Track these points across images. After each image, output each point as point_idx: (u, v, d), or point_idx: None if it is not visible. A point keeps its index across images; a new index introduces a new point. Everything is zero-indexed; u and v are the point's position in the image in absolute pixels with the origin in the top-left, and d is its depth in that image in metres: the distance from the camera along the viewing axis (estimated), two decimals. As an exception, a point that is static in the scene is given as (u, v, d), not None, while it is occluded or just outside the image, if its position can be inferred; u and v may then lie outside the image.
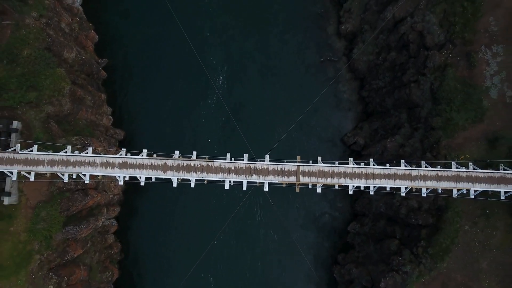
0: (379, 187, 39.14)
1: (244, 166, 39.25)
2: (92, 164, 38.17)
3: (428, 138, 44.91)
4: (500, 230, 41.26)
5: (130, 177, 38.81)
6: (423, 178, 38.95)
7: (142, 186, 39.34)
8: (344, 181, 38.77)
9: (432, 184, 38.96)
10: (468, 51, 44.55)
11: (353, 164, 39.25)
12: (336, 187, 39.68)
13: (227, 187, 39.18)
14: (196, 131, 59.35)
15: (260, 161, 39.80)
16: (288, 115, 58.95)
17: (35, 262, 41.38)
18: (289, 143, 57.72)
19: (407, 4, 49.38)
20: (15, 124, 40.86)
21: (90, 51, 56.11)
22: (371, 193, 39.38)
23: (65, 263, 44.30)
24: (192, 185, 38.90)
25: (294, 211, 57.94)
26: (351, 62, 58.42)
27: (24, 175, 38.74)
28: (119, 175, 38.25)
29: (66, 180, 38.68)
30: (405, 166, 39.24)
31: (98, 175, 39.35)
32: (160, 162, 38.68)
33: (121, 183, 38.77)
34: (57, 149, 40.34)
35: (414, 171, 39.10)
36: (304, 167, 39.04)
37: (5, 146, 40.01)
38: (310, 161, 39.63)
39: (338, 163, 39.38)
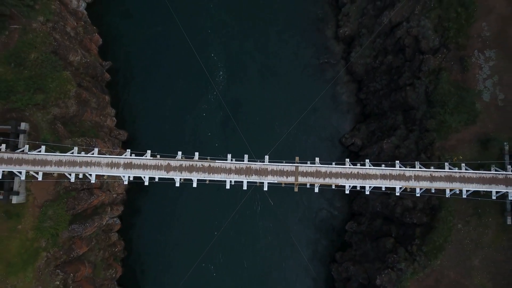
0: (374, 187, 40.59)
1: (245, 167, 40.67)
2: (98, 164, 39.61)
3: (422, 140, 46.30)
4: (491, 229, 42.70)
5: (134, 177, 40.24)
6: (417, 178, 40.40)
7: (145, 185, 40.75)
8: (341, 181, 40.21)
9: (425, 184, 40.41)
10: (461, 56, 45.94)
11: (349, 165, 40.70)
12: (333, 187, 41.15)
13: (228, 186, 40.60)
14: (197, 131, 60.58)
15: (260, 161, 41.23)
16: (288, 116, 60.32)
17: (42, 259, 42.67)
18: (288, 143, 59.06)
19: (403, 9, 50.78)
20: (23, 125, 42.23)
21: (94, 54, 57.50)
22: (367, 192, 40.82)
23: (71, 260, 45.65)
24: (194, 185, 40.34)
25: (293, 210, 59.25)
26: (349, 65, 59.82)
27: (33, 175, 40.15)
28: (124, 175, 39.67)
29: (73, 179, 40.11)
30: (400, 167, 40.69)
31: (103, 175, 40.74)
32: (164, 162, 40.11)
33: (125, 182, 40.19)
34: (63, 150, 41.77)
35: (408, 171, 40.55)
36: (302, 167, 40.47)
37: (14, 147, 41.43)
38: (308, 162, 41.05)
39: (335, 164, 40.81)
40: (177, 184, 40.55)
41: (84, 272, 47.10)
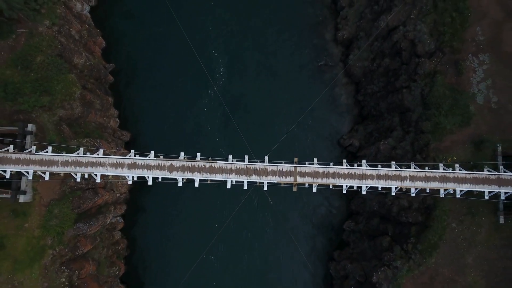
0: (371, 187, 41.87)
1: (245, 167, 41.94)
2: (103, 164, 40.88)
3: (418, 141, 47.57)
4: (484, 228, 44.02)
5: (138, 177, 41.52)
6: (412, 178, 41.69)
7: (147, 185, 41.98)
8: (338, 181, 41.50)
9: (420, 185, 41.69)
10: (456, 59, 47.25)
11: (346, 166, 42.00)
12: (331, 187, 42.43)
13: (229, 186, 41.88)
14: (198, 132, 61.71)
15: (260, 162, 42.50)
16: (287, 117, 61.55)
17: (48, 256, 43.97)
18: (288, 144, 60.19)
19: (399, 13, 52.04)
20: (30, 127, 43.50)
21: (98, 56, 58.74)
22: (363, 192, 42.10)
23: (76, 258, 46.90)
24: (197, 185, 41.64)
25: (292, 210, 60.49)
26: (348, 67, 61.08)
27: (40, 175, 41.42)
28: (128, 175, 40.95)
29: (78, 179, 41.40)
30: (395, 168, 41.97)
31: (108, 175, 42.01)
32: (167, 163, 41.39)
33: (130, 182, 41.48)
34: (69, 151, 43.04)
35: (403, 172, 41.84)
36: (301, 168, 41.76)
37: (21, 148, 42.70)
38: (307, 163, 42.34)
39: (333, 165, 42.10)
40: (180, 184, 41.81)
41: (89, 269, 48.33)
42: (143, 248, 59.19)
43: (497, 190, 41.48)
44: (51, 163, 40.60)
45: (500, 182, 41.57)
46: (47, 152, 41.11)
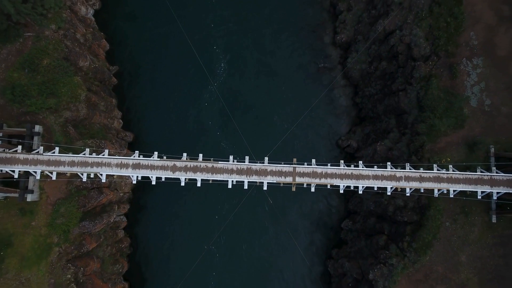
0: (367, 187, 43.25)
1: (245, 167, 43.32)
2: (108, 165, 42.25)
3: (413, 143, 48.93)
4: (477, 227, 45.38)
5: (142, 177, 42.90)
6: (407, 179, 43.05)
7: (149, 185, 43.30)
8: (335, 182, 42.88)
9: (415, 185, 43.05)
10: (450, 63, 48.57)
11: (343, 166, 43.37)
12: (329, 187, 43.85)
13: (230, 186, 43.27)
14: (199, 132, 62.95)
15: (260, 162, 43.88)
16: (287, 118, 62.89)
17: (54, 254, 45.33)
18: (287, 145, 61.54)
19: (396, 18, 53.38)
20: (37, 128, 44.98)
21: (102, 59, 60.10)
22: (360, 192, 43.48)
23: (81, 255, 48.27)
24: (199, 184, 43.03)
25: (292, 210, 61.85)
26: (346, 69, 62.45)
27: (47, 174, 42.80)
28: (132, 175, 42.34)
29: (84, 179, 42.81)
30: (391, 168, 43.36)
31: (113, 175, 43.38)
32: (170, 163, 42.77)
33: (134, 182, 42.86)
34: (75, 151, 44.43)
35: (399, 172, 43.21)
36: (300, 168, 43.13)
37: (29, 148, 44.12)
38: (305, 163, 43.71)
39: (330, 165, 43.48)
40: (182, 184, 43.20)
41: (93, 266, 49.72)
42: (145, 246, 60.57)
43: (489, 190, 42.77)
44: (58, 163, 41.98)
45: (492, 182, 42.88)
46: (54, 152, 42.47)
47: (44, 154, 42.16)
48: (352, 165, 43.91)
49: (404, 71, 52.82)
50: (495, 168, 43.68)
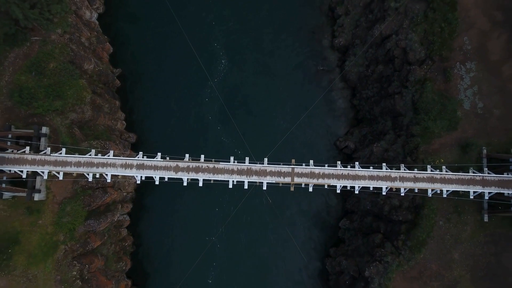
0: (363, 187, 44.73)
1: (246, 168, 44.79)
2: (113, 165, 43.74)
3: (408, 144, 50.44)
4: (470, 226, 46.88)
5: (146, 177, 44.39)
6: (402, 179, 44.52)
7: (152, 184, 44.63)
8: (332, 182, 44.37)
9: (409, 185, 44.51)
10: (445, 67, 50.04)
11: (340, 167, 44.88)
12: (326, 187, 45.33)
13: (230, 186, 44.75)
14: (200, 132, 64.21)
15: (260, 163, 45.36)
16: (287, 119, 64.33)
17: (60, 251, 46.81)
18: (286, 145, 62.92)
19: (392, 23, 54.88)
20: (44, 129, 46.46)
21: (106, 62, 61.56)
22: (356, 192, 44.95)
23: (86, 253, 49.78)
24: (200, 184, 44.53)
25: (291, 209, 63.25)
26: (344, 72, 63.95)
27: (54, 175, 44.28)
28: (136, 175, 43.83)
29: (90, 179, 44.29)
30: (386, 169, 44.85)
31: (118, 175, 44.85)
32: (173, 164, 44.27)
33: (138, 182, 44.35)
34: (81, 152, 45.92)
35: (394, 173, 44.68)
36: (298, 169, 44.61)
37: (36, 149, 45.59)
38: (303, 164, 45.20)
39: (328, 166, 44.96)
40: (185, 184, 44.67)
41: (98, 264, 51.23)
42: (147, 245, 62.07)
43: (481, 190, 44.17)
44: (65, 163, 43.46)
45: (484, 183, 44.28)
46: (61, 153, 43.95)
47: (51, 155, 43.61)
48: (349, 166, 45.41)
49: (400, 75, 54.33)
50: (487, 169, 45.18)
